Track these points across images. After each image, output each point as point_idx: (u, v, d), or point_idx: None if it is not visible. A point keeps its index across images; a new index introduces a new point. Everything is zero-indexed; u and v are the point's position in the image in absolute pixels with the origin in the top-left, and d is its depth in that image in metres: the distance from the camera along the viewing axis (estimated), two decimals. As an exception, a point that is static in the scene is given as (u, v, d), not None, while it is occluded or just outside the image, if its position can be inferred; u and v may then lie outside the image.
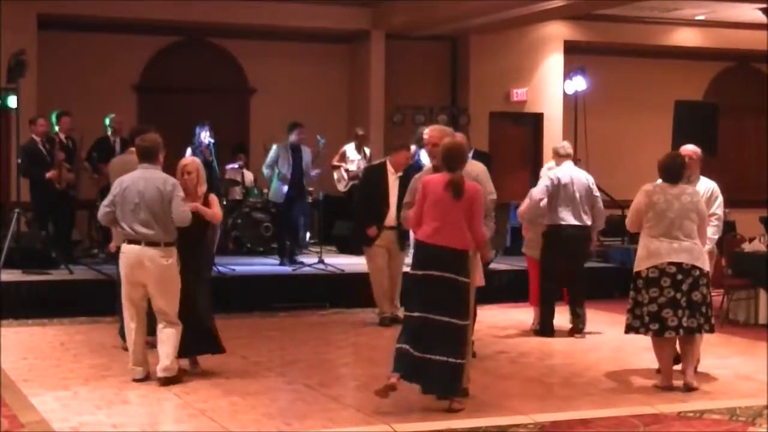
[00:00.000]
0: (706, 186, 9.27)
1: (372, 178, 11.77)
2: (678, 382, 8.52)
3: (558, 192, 11.01)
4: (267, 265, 14.74)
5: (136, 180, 8.48)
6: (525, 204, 11.35)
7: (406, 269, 9.34)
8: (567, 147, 11.45)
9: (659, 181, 8.62)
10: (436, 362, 7.58)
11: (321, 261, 14.18)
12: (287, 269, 14.14)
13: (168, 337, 8.49)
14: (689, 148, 9.30)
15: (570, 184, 11.04)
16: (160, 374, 8.45)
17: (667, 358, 8.56)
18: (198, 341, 8.83)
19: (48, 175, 13.63)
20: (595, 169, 11.51)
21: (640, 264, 8.48)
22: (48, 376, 8.89)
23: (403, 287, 11.40)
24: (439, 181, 7.78)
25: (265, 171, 14.63)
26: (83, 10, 16.40)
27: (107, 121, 14.75)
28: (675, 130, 15.05)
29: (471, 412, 7.67)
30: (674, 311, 8.32)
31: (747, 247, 12.69)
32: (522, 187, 17.94)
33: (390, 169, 11.60)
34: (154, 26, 17.33)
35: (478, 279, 8.69)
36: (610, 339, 11.01)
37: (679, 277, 8.33)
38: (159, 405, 7.90)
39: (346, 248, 15.89)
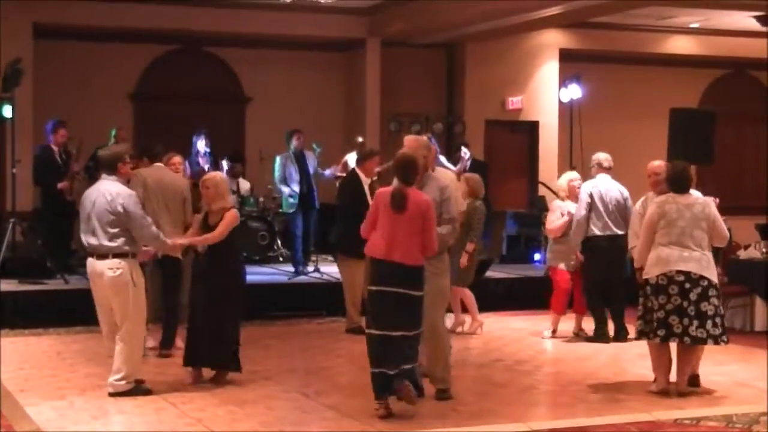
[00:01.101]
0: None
1: (357, 187, 11.77)
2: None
3: (594, 205, 11.09)
4: (263, 274, 14.72)
5: (92, 191, 8.45)
6: (558, 222, 11.37)
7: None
8: (610, 159, 11.45)
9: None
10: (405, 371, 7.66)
11: (317, 269, 14.18)
12: (283, 278, 14.14)
13: (118, 352, 8.36)
14: (655, 164, 9.39)
15: (604, 196, 11.11)
16: (108, 387, 8.40)
17: (665, 363, 8.56)
18: (209, 353, 8.84)
19: (60, 185, 13.61)
20: (589, 177, 11.51)
21: (650, 271, 8.50)
22: (44, 385, 8.88)
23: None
24: (387, 193, 7.81)
25: (280, 187, 14.50)
26: (79, 19, 16.42)
27: (113, 133, 14.77)
28: (671, 138, 15.04)
29: (468, 420, 7.68)
30: (680, 318, 8.35)
31: (743, 254, 12.71)
32: (518, 195, 17.94)
33: (362, 177, 11.71)
34: (150, 35, 17.34)
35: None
36: (606, 346, 11.02)
37: (687, 285, 8.36)
38: (156, 414, 7.88)
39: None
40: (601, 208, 11.10)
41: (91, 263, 8.36)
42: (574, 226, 11.19)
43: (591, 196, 11.11)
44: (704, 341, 8.43)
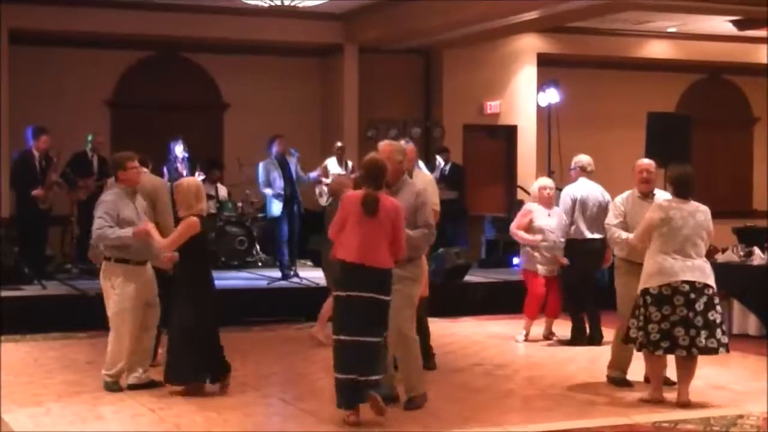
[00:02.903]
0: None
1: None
2: (668, 396, 8.49)
3: (577, 207, 11.12)
4: (241, 279, 14.70)
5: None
6: (526, 236, 11.43)
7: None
8: (592, 164, 11.47)
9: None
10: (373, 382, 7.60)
11: (296, 275, 14.16)
12: (261, 283, 14.11)
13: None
14: (646, 162, 9.31)
15: (587, 200, 11.13)
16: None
17: (659, 373, 8.52)
18: (200, 366, 8.70)
19: (33, 192, 13.55)
20: (568, 181, 11.56)
21: (651, 281, 8.28)
22: (21, 392, 8.82)
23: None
24: (357, 198, 7.71)
25: (264, 191, 14.55)
26: (55, 25, 16.36)
27: (89, 138, 14.73)
28: (648, 142, 15.11)
29: (446, 425, 7.67)
30: (686, 330, 8.16)
31: (720, 257, 12.75)
32: (496, 199, 17.98)
33: None
34: (127, 41, 17.30)
35: (423, 289, 8.69)
36: (586, 350, 11.04)
37: (692, 296, 8.18)
38: (133, 420, 7.85)
39: (321, 262, 15.83)
40: (581, 213, 11.13)
41: None
42: (555, 232, 11.27)
43: (573, 201, 11.11)
44: (716, 351, 8.25)
